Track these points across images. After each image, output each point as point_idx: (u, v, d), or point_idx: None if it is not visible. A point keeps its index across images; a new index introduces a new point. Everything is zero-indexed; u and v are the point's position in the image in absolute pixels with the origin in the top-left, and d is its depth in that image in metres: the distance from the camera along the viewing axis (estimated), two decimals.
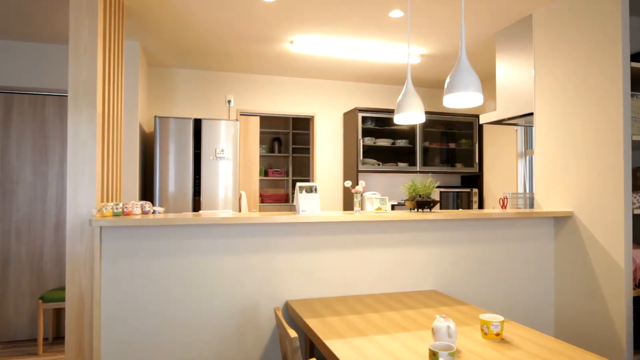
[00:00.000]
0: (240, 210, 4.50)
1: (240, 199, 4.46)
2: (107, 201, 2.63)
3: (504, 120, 3.68)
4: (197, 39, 3.95)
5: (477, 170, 5.42)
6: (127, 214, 2.33)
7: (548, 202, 3.16)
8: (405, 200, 2.80)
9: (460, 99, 1.89)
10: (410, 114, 2.22)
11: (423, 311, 2.26)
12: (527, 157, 4.84)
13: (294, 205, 6.76)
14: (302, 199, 2.52)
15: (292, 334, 1.69)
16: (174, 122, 4.17)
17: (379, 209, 2.63)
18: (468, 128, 5.49)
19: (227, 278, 2.40)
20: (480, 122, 3.83)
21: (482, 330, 1.87)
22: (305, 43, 4.02)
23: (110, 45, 2.74)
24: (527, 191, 4.81)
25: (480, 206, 5.43)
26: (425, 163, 5.37)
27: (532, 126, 4.69)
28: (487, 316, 1.89)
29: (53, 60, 4.06)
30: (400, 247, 2.70)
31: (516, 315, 2.97)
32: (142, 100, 4.36)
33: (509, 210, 3.08)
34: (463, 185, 5.82)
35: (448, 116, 5.34)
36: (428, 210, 2.79)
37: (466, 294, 2.85)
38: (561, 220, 3.04)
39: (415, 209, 2.78)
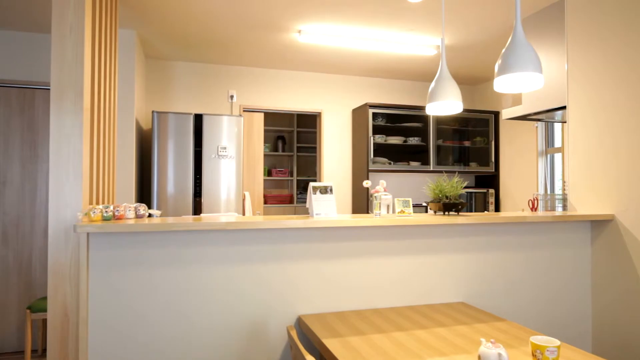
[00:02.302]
0: (244, 213, 4.22)
1: (244, 200, 4.18)
2: (97, 203, 2.34)
3: (529, 115, 3.39)
4: (198, 28, 3.67)
5: (494, 170, 5.14)
6: (119, 218, 2.05)
7: (583, 204, 2.88)
8: (429, 202, 2.52)
9: (516, 81, 1.58)
10: (446, 103, 1.93)
11: (456, 329, 1.97)
12: (548, 156, 4.56)
13: (299, 207, 6.47)
14: (317, 201, 2.24)
15: None
16: (173, 117, 3.88)
17: (402, 212, 2.35)
18: (484, 125, 5.21)
19: (232, 290, 2.12)
20: (503, 118, 3.54)
21: (534, 355, 1.59)
22: (314, 32, 3.74)
23: (102, 30, 2.46)
24: (548, 192, 4.53)
25: (497, 208, 5.15)
26: (438, 162, 5.09)
27: (554, 122, 4.41)
28: (539, 339, 1.61)
29: (43, 51, 3.78)
30: (424, 255, 2.42)
31: (549, 328, 2.68)
32: (139, 95, 4.08)
33: (541, 213, 2.80)
34: (477, 186, 5.53)
35: (463, 113, 5.05)
36: (455, 213, 2.51)
37: (495, 305, 2.56)
38: (599, 225, 2.76)
39: (442, 212, 2.50)
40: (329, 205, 2.25)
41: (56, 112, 1.94)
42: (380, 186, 2.33)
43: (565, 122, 3.76)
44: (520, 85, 1.61)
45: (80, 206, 1.99)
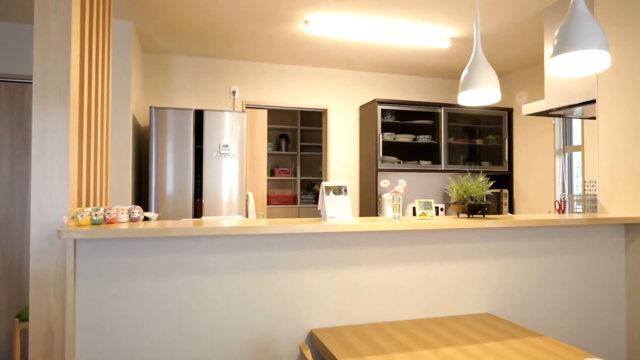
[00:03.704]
0: (247, 214, 4.00)
1: (247, 201, 3.97)
2: (87, 206, 2.13)
3: (552, 110, 3.18)
4: (198, 20, 3.46)
5: (507, 169, 4.92)
6: (110, 223, 1.83)
7: (615, 205, 2.66)
8: (450, 204, 2.31)
9: (579, 62, 1.34)
10: (482, 92, 1.72)
11: (488, 346, 1.75)
12: (567, 154, 4.34)
13: (303, 208, 6.26)
14: (330, 203, 2.03)
15: None
16: (172, 113, 3.67)
17: (423, 214, 2.13)
18: (496, 123, 4.99)
19: (236, 302, 1.90)
20: (524, 113, 3.33)
21: None
22: (321, 22, 3.52)
23: (92, 16, 2.24)
24: (566, 192, 4.31)
25: (511, 209, 4.93)
26: (449, 161, 4.87)
27: (573, 118, 4.20)
28: None
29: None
30: (447, 261, 2.20)
31: (580, 339, 2.47)
32: (136, 90, 3.86)
33: (568, 215, 2.58)
34: (490, 186, 5.31)
35: (475, 109, 4.83)
36: (481, 215, 2.30)
37: (522, 315, 2.35)
38: (635, 228, 2.54)
39: (465, 214, 2.29)
40: (343, 207, 2.04)
41: (39, 103, 1.72)
42: (400, 186, 2.12)
43: (586, 118, 3.54)
44: (582, 67, 1.38)
45: (66, 209, 1.77)
